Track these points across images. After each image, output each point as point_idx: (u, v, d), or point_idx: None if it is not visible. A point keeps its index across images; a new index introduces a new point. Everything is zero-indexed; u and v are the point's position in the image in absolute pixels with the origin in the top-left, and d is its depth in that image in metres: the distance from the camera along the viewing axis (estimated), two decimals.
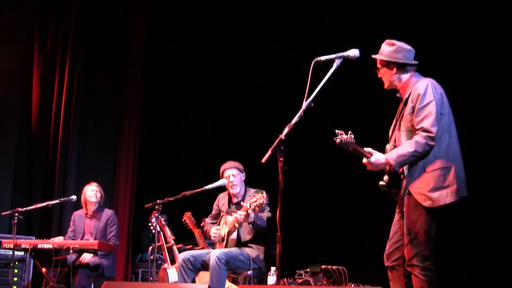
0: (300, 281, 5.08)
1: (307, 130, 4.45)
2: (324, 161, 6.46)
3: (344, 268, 4.94)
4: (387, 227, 3.65)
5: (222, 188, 5.04)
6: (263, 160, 3.19)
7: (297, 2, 6.92)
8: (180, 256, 4.70)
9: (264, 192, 4.48)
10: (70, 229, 6.08)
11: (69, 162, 7.21)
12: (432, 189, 3.30)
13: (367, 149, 3.40)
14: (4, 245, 5.60)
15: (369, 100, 5.97)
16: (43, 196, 7.11)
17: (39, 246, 5.47)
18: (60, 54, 7.53)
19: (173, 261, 5.72)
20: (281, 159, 3.19)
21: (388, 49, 3.57)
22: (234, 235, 4.77)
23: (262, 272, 4.83)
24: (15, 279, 6.05)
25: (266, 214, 4.71)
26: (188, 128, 7.92)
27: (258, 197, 4.43)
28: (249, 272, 4.76)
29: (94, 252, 5.58)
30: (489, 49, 5.35)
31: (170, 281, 5.51)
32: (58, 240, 5.77)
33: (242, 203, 4.77)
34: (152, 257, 5.13)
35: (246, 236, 4.80)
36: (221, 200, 5.09)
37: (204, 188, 4.87)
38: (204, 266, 4.67)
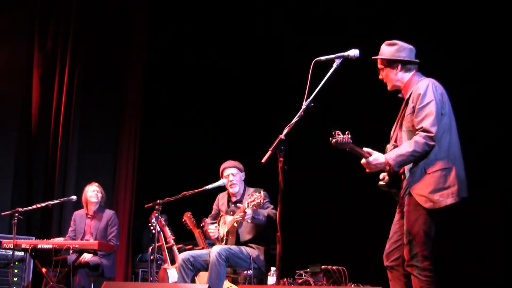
0: (300, 281, 5.08)
1: (307, 130, 4.45)
2: (324, 161, 6.45)
3: (344, 268, 4.94)
4: (387, 227, 3.65)
5: (222, 188, 5.03)
6: (263, 160, 3.19)
7: (297, 2, 6.92)
8: (180, 256, 4.70)
9: (262, 192, 4.48)
10: (70, 229, 6.08)
11: (69, 162, 7.21)
12: (433, 190, 3.30)
13: (366, 149, 3.39)
14: (4, 245, 5.60)
15: (370, 100, 5.97)
16: (43, 196, 7.11)
17: (39, 246, 5.47)
18: (60, 54, 7.53)
19: (173, 261, 5.72)
20: (281, 159, 3.19)
21: (390, 49, 3.56)
22: (233, 235, 4.77)
23: (262, 272, 4.83)
24: (15, 279, 6.05)
25: (267, 210, 4.70)
26: (188, 128, 7.92)
27: (256, 197, 4.43)
28: (249, 272, 4.76)
29: (94, 252, 5.58)
30: (490, 49, 5.35)
31: (170, 281, 5.51)
32: (57, 240, 5.76)
33: (238, 205, 4.76)
34: (152, 257, 5.13)
35: (245, 235, 4.80)
36: (221, 200, 5.09)
37: (204, 188, 4.87)
38: (204, 266, 4.67)
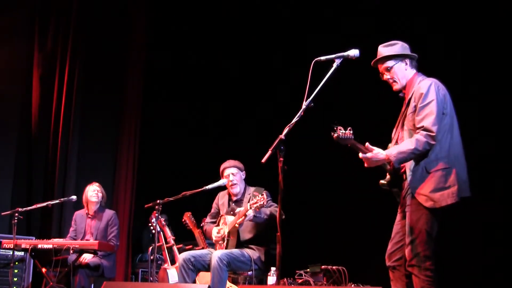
0: (300, 281, 5.08)
1: (307, 130, 4.45)
2: (324, 161, 6.46)
3: (344, 268, 4.94)
4: (387, 227, 3.66)
5: (222, 188, 5.03)
6: (263, 160, 3.19)
7: (297, 2, 6.92)
8: (181, 256, 4.69)
9: (264, 193, 4.47)
10: (71, 229, 6.08)
11: (69, 162, 7.21)
12: (433, 190, 3.31)
13: (367, 145, 3.39)
14: (4, 245, 5.60)
15: (371, 100, 5.97)
16: (43, 196, 7.11)
17: (39, 246, 5.47)
18: (60, 54, 7.53)
19: (173, 261, 5.72)
20: (281, 159, 3.19)
21: (394, 48, 3.56)
22: (234, 235, 4.76)
23: (263, 273, 4.82)
24: (15, 279, 6.05)
25: (269, 209, 4.69)
26: (188, 128, 7.92)
27: (258, 198, 4.42)
28: (249, 273, 4.76)
29: (94, 253, 5.58)
30: (491, 49, 5.35)
31: (170, 281, 5.51)
32: (57, 240, 5.76)
33: (239, 209, 4.74)
34: (152, 257, 5.12)
35: (246, 235, 4.80)
36: (221, 199, 5.08)
37: (204, 188, 4.86)
38: (205, 266, 4.66)
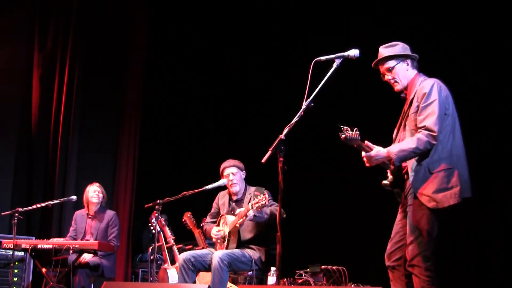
0: (300, 281, 5.08)
1: (308, 130, 4.46)
2: (324, 161, 6.46)
3: (344, 268, 4.94)
4: (387, 227, 3.66)
5: (222, 188, 5.03)
6: (263, 160, 3.20)
7: (298, 1, 6.92)
8: (181, 256, 4.69)
9: (265, 193, 4.47)
10: (72, 228, 6.08)
11: (69, 162, 7.21)
12: (436, 190, 3.31)
13: (367, 143, 3.39)
14: (4, 245, 5.59)
15: (371, 100, 5.97)
16: (43, 196, 7.11)
17: (39, 246, 5.47)
18: (60, 54, 7.52)
19: (173, 261, 5.72)
20: (281, 159, 3.19)
21: (395, 48, 3.57)
22: (235, 235, 4.76)
23: (263, 273, 4.82)
24: (15, 279, 6.05)
25: (270, 208, 4.68)
26: (188, 128, 7.92)
27: (260, 198, 4.42)
28: (250, 273, 4.76)
29: (94, 253, 5.58)
30: (492, 49, 5.35)
31: (170, 281, 5.51)
32: (57, 240, 5.76)
33: (239, 210, 4.74)
34: (152, 257, 5.12)
35: (247, 235, 4.80)
36: (221, 199, 5.08)
37: (204, 188, 4.86)
38: (205, 266, 4.66)
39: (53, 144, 7.33)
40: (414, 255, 3.32)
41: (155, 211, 5.07)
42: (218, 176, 4.99)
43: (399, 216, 3.59)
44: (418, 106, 3.42)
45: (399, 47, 3.58)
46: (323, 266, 5.01)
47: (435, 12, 5.72)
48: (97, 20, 7.53)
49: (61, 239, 5.97)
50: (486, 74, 5.36)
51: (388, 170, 3.59)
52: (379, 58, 3.60)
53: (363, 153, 3.39)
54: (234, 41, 7.47)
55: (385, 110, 4.34)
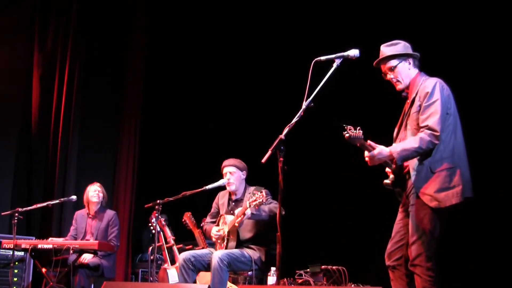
0: (300, 281, 5.08)
1: (308, 130, 4.46)
2: (324, 161, 6.46)
3: (344, 268, 4.94)
4: (387, 227, 3.66)
5: (222, 187, 5.03)
6: (263, 160, 3.20)
7: (298, 1, 6.92)
8: (181, 256, 4.69)
9: (263, 191, 4.48)
10: (72, 227, 6.08)
11: (69, 162, 7.21)
12: (438, 190, 3.31)
13: (370, 143, 3.39)
14: (4, 245, 5.60)
15: (371, 100, 5.97)
16: (43, 196, 7.11)
17: (39, 246, 5.47)
18: (60, 54, 7.52)
19: (173, 261, 5.72)
20: (281, 159, 3.19)
21: (396, 47, 3.56)
22: (234, 235, 4.76)
23: (263, 273, 4.82)
24: (15, 279, 6.05)
25: (268, 206, 4.69)
26: (188, 128, 7.92)
27: (257, 196, 4.43)
28: (249, 273, 4.76)
29: (94, 253, 5.58)
30: (492, 49, 5.34)
31: (170, 281, 5.51)
32: (57, 240, 5.76)
33: (238, 209, 4.74)
34: (152, 257, 5.12)
35: (246, 234, 4.80)
36: (221, 199, 5.08)
37: (204, 188, 4.86)
38: (205, 266, 4.66)
39: (53, 144, 7.33)
40: (416, 254, 3.32)
41: (155, 211, 5.07)
42: (218, 176, 4.99)
43: (399, 216, 3.59)
44: (420, 105, 3.42)
45: (401, 46, 3.57)
46: (323, 266, 5.00)
47: (435, 12, 5.72)
48: (97, 20, 7.53)
49: (60, 239, 5.97)
50: (486, 74, 5.36)
51: (389, 170, 3.58)
52: (381, 57, 3.60)
53: (366, 153, 3.39)
54: (234, 41, 7.47)
55: (385, 109, 4.35)
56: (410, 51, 3.58)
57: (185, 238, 6.17)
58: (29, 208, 5.70)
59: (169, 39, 7.82)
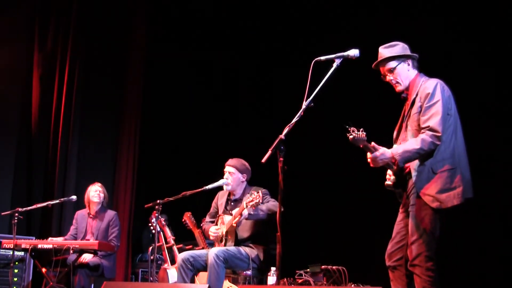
0: (300, 281, 5.08)
1: (308, 130, 4.45)
2: (324, 161, 6.46)
3: (344, 268, 4.94)
4: (387, 227, 3.65)
5: (222, 187, 5.03)
6: (263, 160, 3.20)
7: (298, 1, 6.92)
8: (180, 256, 4.70)
9: (260, 192, 4.48)
10: (72, 227, 6.08)
11: (69, 162, 7.21)
12: (439, 190, 3.32)
13: (373, 144, 3.39)
14: (4, 245, 5.60)
15: (371, 100, 5.97)
16: (43, 196, 7.11)
17: (39, 246, 5.47)
18: (60, 54, 7.53)
19: (173, 261, 5.71)
20: (281, 159, 3.19)
21: (395, 49, 3.56)
22: (232, 235, 4.77)
23: (262, 272, 4.82)
24: (15, 279, 6.05)
25: (266, 204, 4.69)
26: (188, 128, 7.92)
27: (254, 197, 4.44)
28: (249, 272, 4.76)
29: (94, 253, 5.58)
30: (492, 49, 5.34)
31: (170, 281, 5.51)
32: (57, 240, 5.76)
33: (235, 210, 4.74)
34: (152, 257, 5.13)
35: (244, 234, 4.80)
36: (220, 199, 5.08)
37: (204, 188, 4.86)
38: (204, 266, 4.66)
39: (53, 144, 7.33)
40: (416, 255, 3.32)
41: (155, 211, 5.07)
42: (218, 176, 4.99)
43: (400, 216, 3.59)
44: (421, 106, 3.42)
45: (399, 47, 3.57)
46: (323, 266, 5.00)
47: (435, 12, 5.72)
48: (97, 20, 7.53)
49: (60, 238, 5.97)
50: (486, 74, 5.36)
51: (390, 171, 3.58)
52: (379, 59, 3.59)
53: (368, 154, 3.38)
54: (234, 41, 7.47)
55: (385, 109, 4.34)
56: (408, 52, 3.58)
57: (185, 238, 6.17)
58: (29, 208, 5.70)
59: (169, 39, 7.81)
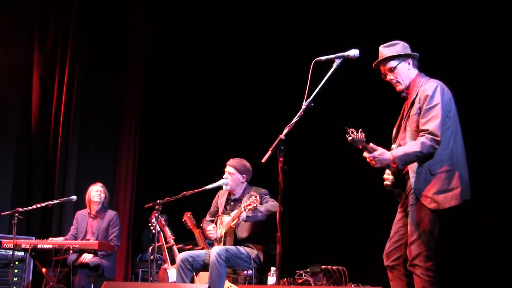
0: (300, 281, 5.08)
1: (308, 130, 4.45)
2: (324, 161, 6.46)
3: (344, 268, 4.94)
4: (387, 227, 3.66)
5: (222, 187, 5.03)
6: (263, 160, 3.20)
7: (298, 1, 6.92)
8: (179, 256, 4.70)
9: (257, 195, 4.49)
10: (72, 227, 6.08)
11: (69, 162, 7.21)
12: (437, 191, 3.33)
13: (371, 145, 3.39)
14: (4, 245, 5.60)
15: (370, 100, 5.97)
16: (43, 196, 7.11)
17: (39, 246, 5.48)
18: (60, 54, 7.52)
19: (173, 261, 5.71)
20: (281, 159, 3.19)
21: (396, 48, 3.56)
22: (231, 235, 4.77)
23: (262, 272, 4.82)
24: (15, 279, 6.04)
25: (265, 205, 4.69)
26: (188, 128, 7.92)
27: (252, 200, 4.46)
28: (249, 272, 4.76)
29: (94, 253, 5.58)
30: (492, 49, 5.34)
31: (170, 281, 5.51)
32: (57, 240, 5.76)
33: (233, 212, 4.75)
34: (152, 257, 5.13)
35: (243, 234, 4.80)
36: (220, 198, 5.09)
37: (204, 188, 4.86)
38: (204, 266, 4.67)
39: (53, 144, 7.33)
40: (415, 254, 3.33)
41: (155, 211, 5.07)
42: (218, 176, 4.99)
43: (398, 216, 3.60)
44: (420, 108, 3.42)
45: (400, 46, 3.57)
46: (323, 266, 5.00)
47: (435, 12, 5.72)
48: (97, 20, 7.53)
49: (60, 238, 5.97)
50: (486, 75, 5.35)
51: (389, 171, 3.59)
52: (380, 58, 3.59)
53: (366, 154, 3.38)
54: (234, 41, 7.46)
55: (384, 109, 4.34)
56: (409, 51, 3.58)
57: (185, 238, 6.17)
58: (29, 208, 5.70)
59: (169, 39, 7.81)
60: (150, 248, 6.01)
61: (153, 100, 7.76)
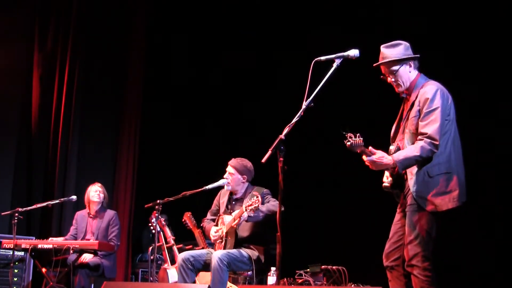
0: (300, 281, 5.08)
1: (308, 130, 4.46)
2: (324, 161, 6.46)
3: (344, 268, 4.94)
4: (387, 227, 3.66)
5: (223, 187, 5.02)
6: (263, 160, 3.20)
7: (298, 1, 6.92)
8: (180, 256, 4.70)
9: (259, 196, 4.49)
10: (72, 227, 6.08)
11: (69, 162, 7.21)
12: (435, 194, 3.34)
13: (370, 149, 3.39)
14: (4, 245, 5.60)
15: (370, 100, 5.97)
16: (43, 196, 7.11)
17: (39, 246, 5.48)
18: (60, 54, 7.52)
19: (173, 261, 5.71)
20: (281, 159, 3.19)
21: (397, 49, 3.54)
22: (232, 235, 4.77)
23: (263, 273, 4.83)
24: (15, 279, 6.04)
25: (266, 205, 4.69)
26: (188, 128, 7.92)
27: (253, 201, 4.46)
28: (249, 273, 4.76)
29: (95, 253, 5.59)
30: (492, 49, 5.34)
31: (170, 281, 5.51)
32: (57, 240, 5.76)
33: (235, 212, 4.75)
34: (152, 257, 5.13)
35: (244, 234, 4.80)
36: (222, 197, 5.08)
37: (204, 188, 4.86)
38: (205, 266, 4.67)
39: (53, 144, 7.33)
40: (413, 255, 3.33)
41: (155, 211, 5.07)
42: (218, 176, 4.99)
43: (397, 216, 3.60)
44: (420, 111, 3.43)
45: (402, 48, 3.55)
46: (323, 266, 5.01)
47: (435, 12, 5.72)
48: (97, 20, 7.53)
49: (60, 238, 5.97)
50: (485, 76, 5.36)
51: (387, 172, 3.59)
52: (381, 60, 3.57)
53: (365, 157, 3.38)
54: (234, 41, 7.47)
55: (384, 110, 4.34)
56: (410, 52, 3.56)
57: (185, 238, 6.17)
58: (29, 208, 5.71)
59: (169, 39, 7.81)
60: (150, 248, 6.01)
61: (153, 100, 7.76)
